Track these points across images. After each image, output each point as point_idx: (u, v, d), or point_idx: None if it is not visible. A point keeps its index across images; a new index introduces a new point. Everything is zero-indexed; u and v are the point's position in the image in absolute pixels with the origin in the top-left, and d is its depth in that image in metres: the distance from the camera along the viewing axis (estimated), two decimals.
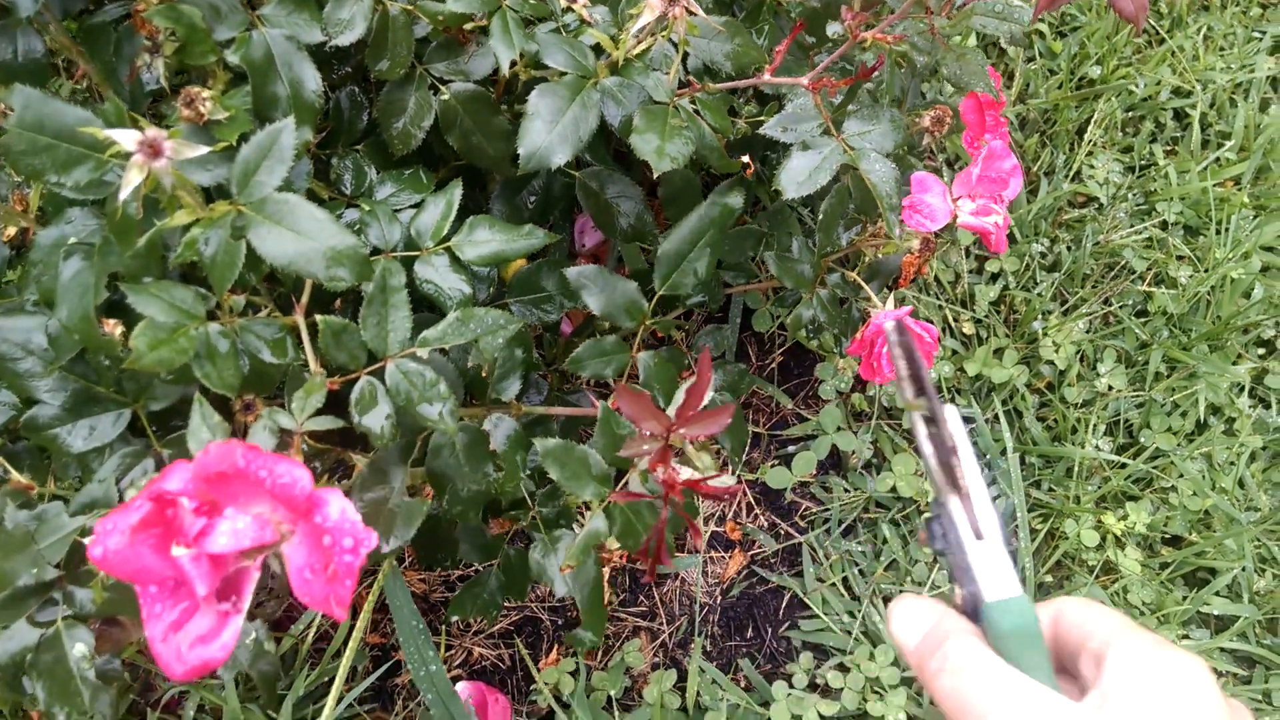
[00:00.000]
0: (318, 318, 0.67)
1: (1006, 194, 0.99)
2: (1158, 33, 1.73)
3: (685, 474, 0.60)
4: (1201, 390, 1.44)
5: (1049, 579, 1.34)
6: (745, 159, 0.80)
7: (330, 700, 0.76)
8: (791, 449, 1.42)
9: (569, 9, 0.85)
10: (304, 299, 0.72)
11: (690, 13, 0.74)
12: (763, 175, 1.03)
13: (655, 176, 0.69)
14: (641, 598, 1.37)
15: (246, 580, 0.53)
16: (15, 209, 0.74)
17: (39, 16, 0.68)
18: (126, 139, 0.58)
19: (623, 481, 0.70)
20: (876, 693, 1.29)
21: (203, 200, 0.64)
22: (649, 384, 0.77)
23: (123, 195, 0.58)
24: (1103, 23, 1.64)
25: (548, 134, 0.73)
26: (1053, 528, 1.37)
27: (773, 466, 1.41)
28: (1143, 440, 1.43)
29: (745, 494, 1.42)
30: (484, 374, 0.76)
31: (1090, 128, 1.60)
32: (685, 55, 0.83)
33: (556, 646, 1.33)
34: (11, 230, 0.82)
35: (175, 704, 1.23)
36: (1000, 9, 0.97)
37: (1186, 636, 1.32)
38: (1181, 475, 1.41)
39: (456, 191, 0.76)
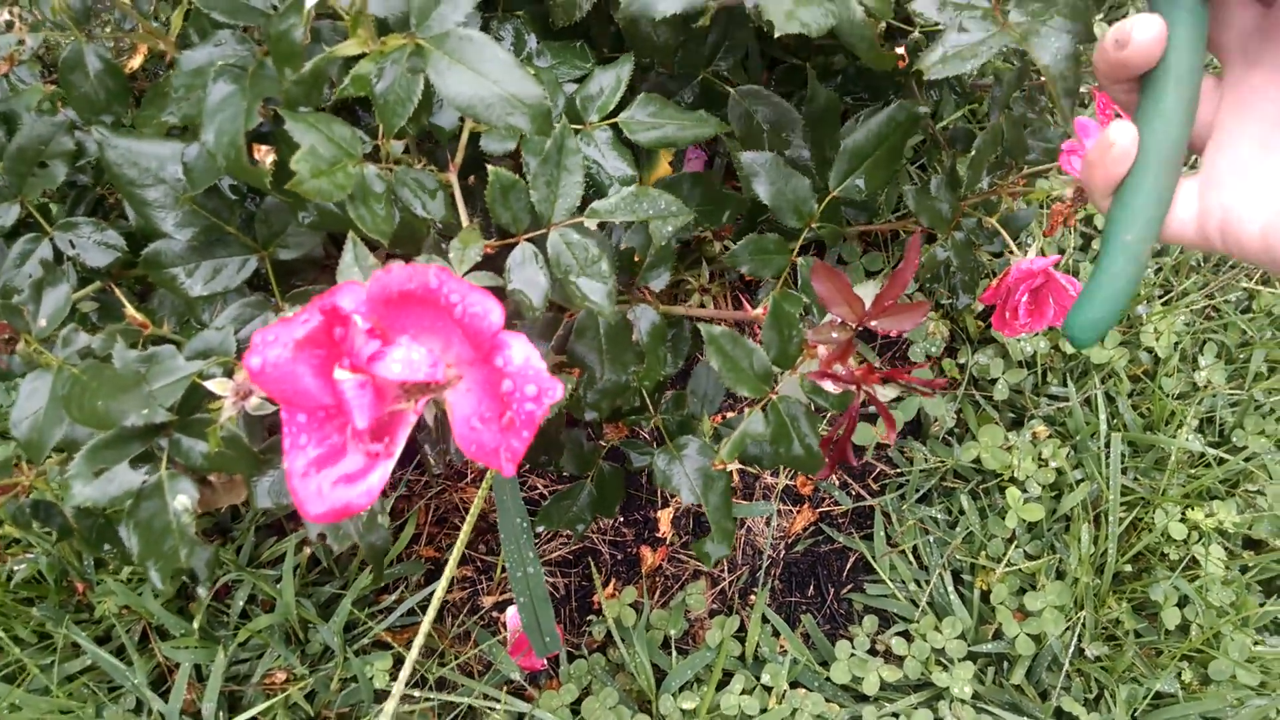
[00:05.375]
0: (490, 168, 0.62)
1: None
2: None
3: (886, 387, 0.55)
4: None
5: (1128, 568, 1.29)
6: (900, 51, 0.73)
7: (441, 584, 0.71)
8: (873, 409, 1.37)
9: None
10: (459, 157, 0.67)
11: None
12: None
13: (777, 35, 0.60)
14: None
15: (402, 423, 0.48)
16: (149, 30, 0.69)
17: None
18: None
19: (776, 382, 0.65)
20: (941, 664, 1.24)
21: (374, 30, 0.59)
22: (807, 291, 0.72)
23: (309, 3, 0.53)
24: None
25: None
26: (1137, 517, 1.32)
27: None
28: (1235, 440, 1.37)
29: None
30: (636, 259, 0.71)
31: None
32: None
33: (614, 580, 1.29)
34: (137, 60, 0.77)
35: (224, 593, 1.19)
36: None
37: (1259, 643, 1.27)
38: (1271, 479, 1.36)
39: (627, 66, 0.71)
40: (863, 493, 1.36)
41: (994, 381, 1.38)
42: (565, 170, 0.63)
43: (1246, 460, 1.34)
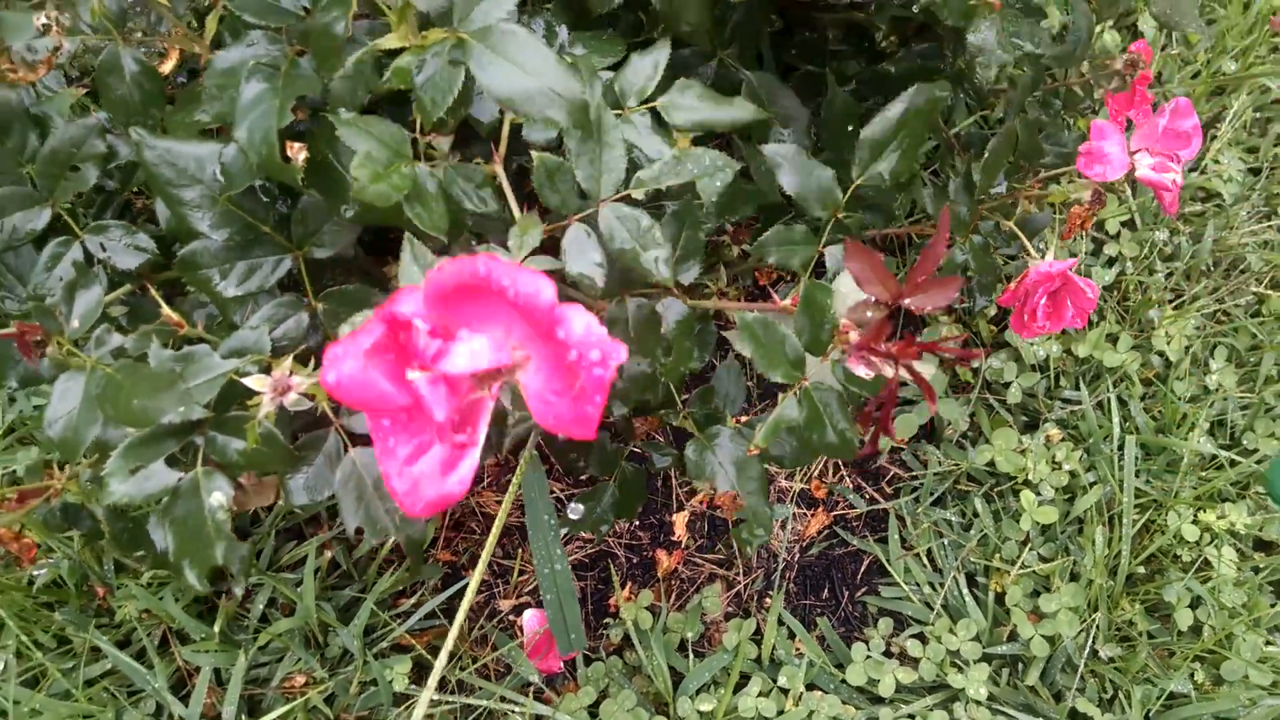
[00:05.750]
0: (534, 154, 0.63)
1: (1184, 154, 0.94)
2: None
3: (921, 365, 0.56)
4: None
5: (1141, 570, 1.30)
6: None
7: (470, 588, 0.72)
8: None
9: None
10: (502, 148, 0.68)
11: None
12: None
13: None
14: (719, 545, 1.33)
15: (481, 411, 0.49)
16: (183, 34, 0.70)
17: None
18: None
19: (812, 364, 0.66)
20: (956, 665, 1.25)
21: (416, 24, 0.60)
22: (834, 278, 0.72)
23: None
24: (1242, 18, 1.59)
25: None
26: (1149, 519, 1.33)
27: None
28: (1246, 443, 1.38)
29: None
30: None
31: (1221, 124, 1.55)
32: None
33: (630, 583, 1.29)
34: (170, 64, 0.78)
35: (245, 596, 1.20)
36: None
37: (1270, 643, 1.28)
38: None
39: (665, 50, 0.72)
40: (876, 496, 1.36)
41: (1007, 385, 1.39)
42: (606, 146, 0.64)
43: (1258, 463, 1.35)
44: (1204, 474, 1.37)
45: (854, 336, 0.59)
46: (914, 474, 1.37)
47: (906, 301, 0.56)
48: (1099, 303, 1.44)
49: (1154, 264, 1.46)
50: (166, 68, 0.77)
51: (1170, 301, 1.45)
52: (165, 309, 0.70)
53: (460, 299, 0.47)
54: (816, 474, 1.37)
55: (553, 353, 0.45)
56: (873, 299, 0.56)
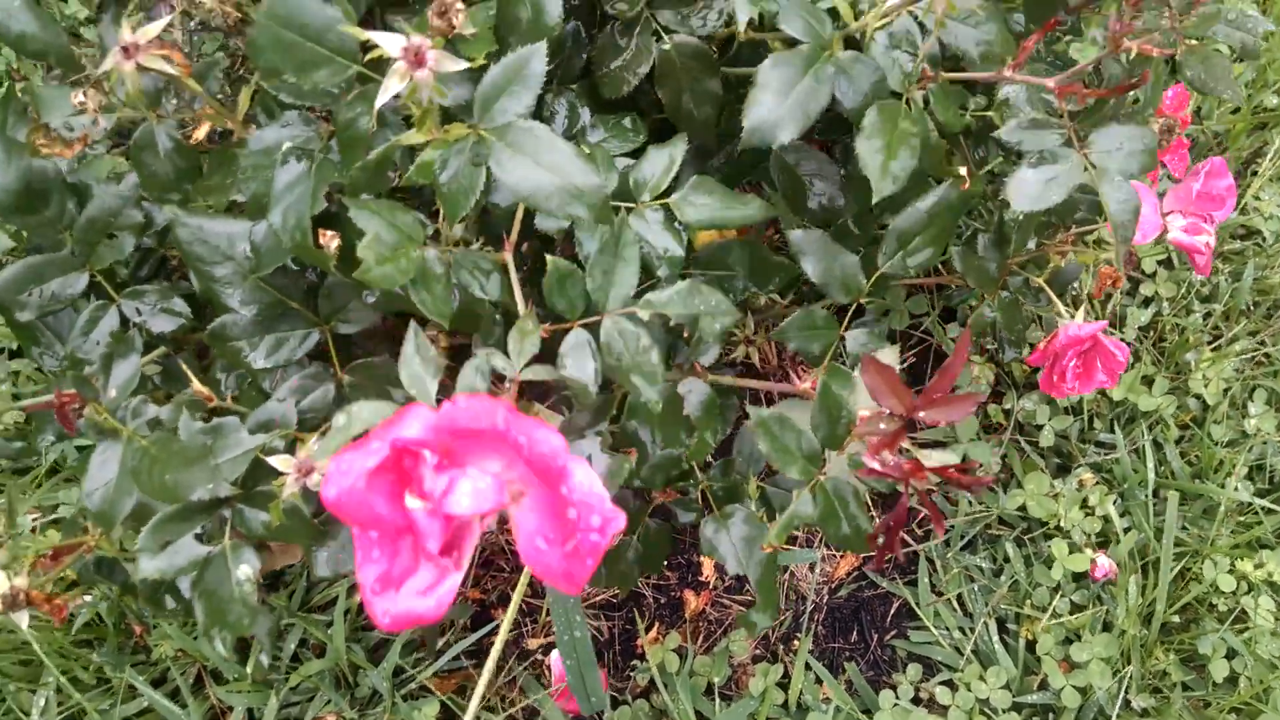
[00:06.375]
0: (547, 258, 0.63)
1: (1218, 215, 0.93)
2: None
3: (935, 458, 0.56)
4: None
5: (1175, 619, 1.29)
6: (963, 171, 0.75)
7: (498, 644, 0.73)
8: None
9: None
10: (513, 236, 0.69)
11: None
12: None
13: (874, 201, 0.65)
14: (747, 587, 1.33)
15: (469, 536, 0.50)
16: (216, 110, 0.71)
17: None
18: (390, 43, 0.54)
19: (823, 462, 0.66)
20: (986, 714, 1.24)
21: (439, 119, 0.61)
22: (855, 363, 0.72)
23: (380, 101, 0.55)
24: None
25: (777, 107, 0.68)
26: (1185, 567, 1.31)
27: None
28: None
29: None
30: (685, 336, 0.72)
31: (1262, 159, 1.53)
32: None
33: (657, 624, 1.30)
34: (202, 132, 0.79)
35: (278, 637, 1.22)
36: (1235, 18, 0.91)
37: None
38: None
39: (681, 146, 0.72)
40: (907, 538, 1.36)
41: (1040, 427, 1.38)
42: (622, 260, 0.64)
43: None
44: (1242, 519, 1.35)
45: (852, 447, 0.60)
46: (945, 517, 1.36)
47: (921, 415, 0.56)
48: (1134, 344, 1.42)
49: (1191, 304, 1.45)
50: (199, 134, 0.79)
51: (1208, 343, 1.43)
52: (195, 383, 0.71)
53: (472, 438, 0.47)
54: None
55: (552, 501, 0.46)
56: (886, 411, 0.56)
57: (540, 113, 0.77)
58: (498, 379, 0.63)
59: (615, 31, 0.77)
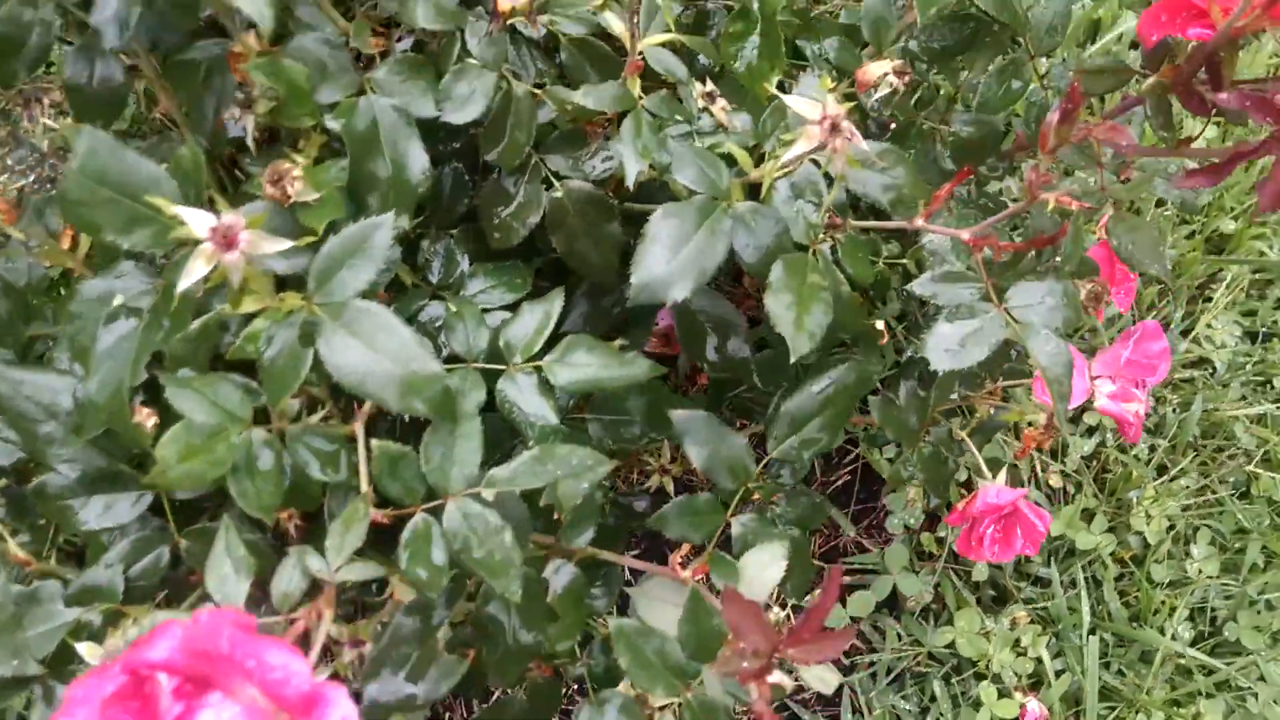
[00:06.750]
0: (373, 443, 0.58)
1: (1150, 380, 0.88)
2: None
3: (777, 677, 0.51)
4: None
5: None
6: (881, 326, 0.70)
7: None
8: (847, 579, 1.32)
9: (705, 110, 0.77)
10: (366, 406, 0.63)
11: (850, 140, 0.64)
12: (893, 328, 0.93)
13: (793, 360, 0.59)
14: None
15: None
16: (62, 247, 0.66)
17: (126, 47, 0.60)
18: (198, 223, 0.49)
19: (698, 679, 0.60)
20: None
21: (273, 286, 0.55)
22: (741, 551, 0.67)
23: (182, 285, 0.50)
24: (1246, 177, 1.54)
25: (667, 263, 0.63)
26: (1119, 717, 1.26)
27: None
28: (1226, 633, 1.31)
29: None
30: (556, 517, 0.66)
31: (1216, 286, 1.49)
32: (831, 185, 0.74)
33: None
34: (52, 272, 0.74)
35: None
36: (1176, 171, 0.87)
37: None
38: (1263, 679, 1.29)
39: (557, 302, 0.67)
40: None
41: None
42: (461, 437, 0.58)
43: (1234, 655, 1.28)
44: (1181, 661, 1.30)
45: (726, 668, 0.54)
46: (873, 648, 1.30)
47: (789, 654, 0.51)
48: (1077, 474, 1.37)
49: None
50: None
51: (1154, 479, 1.38)
52: (12, 546, 0.65)
53: (220, 662, 0.42)
54: None
55: None
56: (749, 649, 0.51)
57: (414, 259, 0.72)
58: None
59: (502, 177, 0.72)
